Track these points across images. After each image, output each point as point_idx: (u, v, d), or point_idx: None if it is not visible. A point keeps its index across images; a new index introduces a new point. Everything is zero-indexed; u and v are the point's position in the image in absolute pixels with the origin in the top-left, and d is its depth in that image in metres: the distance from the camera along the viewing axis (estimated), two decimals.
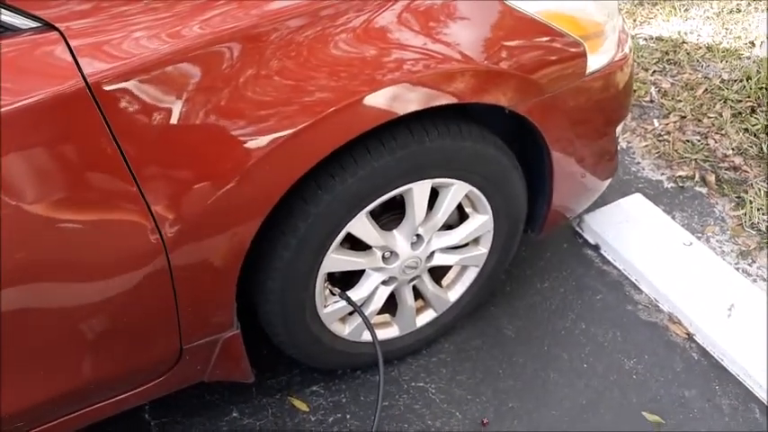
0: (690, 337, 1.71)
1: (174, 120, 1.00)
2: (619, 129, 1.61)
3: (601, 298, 1.82)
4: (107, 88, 0.93)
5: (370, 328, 1.43)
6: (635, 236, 1.89)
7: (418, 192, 1.34)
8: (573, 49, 1.33)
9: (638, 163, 2.28)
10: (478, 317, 1.78)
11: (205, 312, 1.23)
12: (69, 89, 0.91)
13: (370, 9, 1.10)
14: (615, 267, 1.90)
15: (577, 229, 2.03)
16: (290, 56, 1.05)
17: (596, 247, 1.97)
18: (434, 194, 1.40)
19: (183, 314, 1.19)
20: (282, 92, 1.05)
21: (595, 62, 1.40)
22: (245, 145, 1.05)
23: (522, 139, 1.48)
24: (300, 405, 1.58)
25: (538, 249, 1.98)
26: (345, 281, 1.47)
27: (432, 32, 1.15)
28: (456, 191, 1.39)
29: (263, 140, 1.06)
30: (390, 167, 1.25)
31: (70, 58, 0.91)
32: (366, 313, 1.49)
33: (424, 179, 1.32)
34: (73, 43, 0.92)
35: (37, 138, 0.93)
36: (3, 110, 0.88)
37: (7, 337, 1.04)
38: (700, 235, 1.99)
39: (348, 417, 1.56)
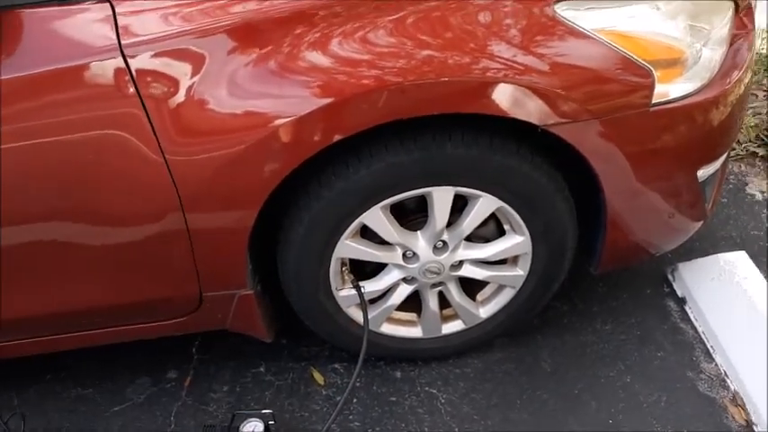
0: (748, 425, 1.45)
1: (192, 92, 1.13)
2: (704, 171, 1.42)
3: (662, 356, 1.62)
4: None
5: (365, 314, 1.47)
6: (724, 297, 1.64)
7: (438, 197, 1.32)
8: (633, 76, 1.20)
9: None
10: (521, 342, 1.69)
11: (219, 268, 1.36)
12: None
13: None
14: (693, 328, 1.67)
15: (669, 276, 1.81)
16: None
17: (682, 301, 1.74)
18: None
19: (199, 265, 1.34)
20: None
21: (670, 92, 1.26)
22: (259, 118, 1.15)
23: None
24: (318, 378, 1.66)
25: (616, 288, 1.82)
26: (377, 272, 1.51)
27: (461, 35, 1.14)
28: (483, 204, 1.35)
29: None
30: (406, 167, 1.26)
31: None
32: (384, 306, 1.52)
33: (446, 185, 1.31)
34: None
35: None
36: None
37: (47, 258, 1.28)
38: None
39: (355, 401, 1.60)
